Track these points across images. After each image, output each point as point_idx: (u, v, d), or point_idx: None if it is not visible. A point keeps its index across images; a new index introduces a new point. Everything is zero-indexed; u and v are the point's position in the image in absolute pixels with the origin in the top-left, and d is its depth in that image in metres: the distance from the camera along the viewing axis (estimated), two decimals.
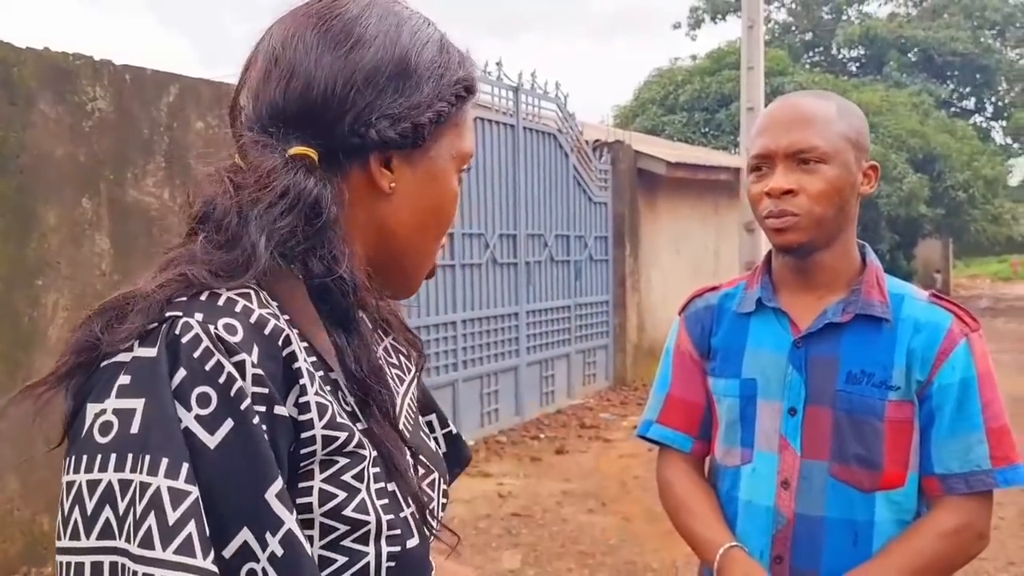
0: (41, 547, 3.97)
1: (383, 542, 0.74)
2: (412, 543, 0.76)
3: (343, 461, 0.73)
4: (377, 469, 0.75)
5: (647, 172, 9.42)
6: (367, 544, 0.73)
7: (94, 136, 4.19)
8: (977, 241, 21.77)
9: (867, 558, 1.37)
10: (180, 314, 0.69)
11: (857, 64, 24.78)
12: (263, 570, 0.66)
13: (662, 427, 1.58)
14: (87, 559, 0.64)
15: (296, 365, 0.71)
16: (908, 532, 1.38)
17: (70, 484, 0.66)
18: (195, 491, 0.64)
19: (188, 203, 0.77)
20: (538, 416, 7.76)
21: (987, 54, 23.00)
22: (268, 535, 0.66)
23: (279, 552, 0.66)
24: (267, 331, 0.71)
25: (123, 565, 0.63)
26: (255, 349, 0.69)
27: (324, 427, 0.72)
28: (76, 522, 0.65)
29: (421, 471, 0.85)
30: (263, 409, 0.68)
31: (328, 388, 0.74)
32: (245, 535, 0.66)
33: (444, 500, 0.91)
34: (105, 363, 0.68)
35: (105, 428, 0.66)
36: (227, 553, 0.65)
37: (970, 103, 25.14)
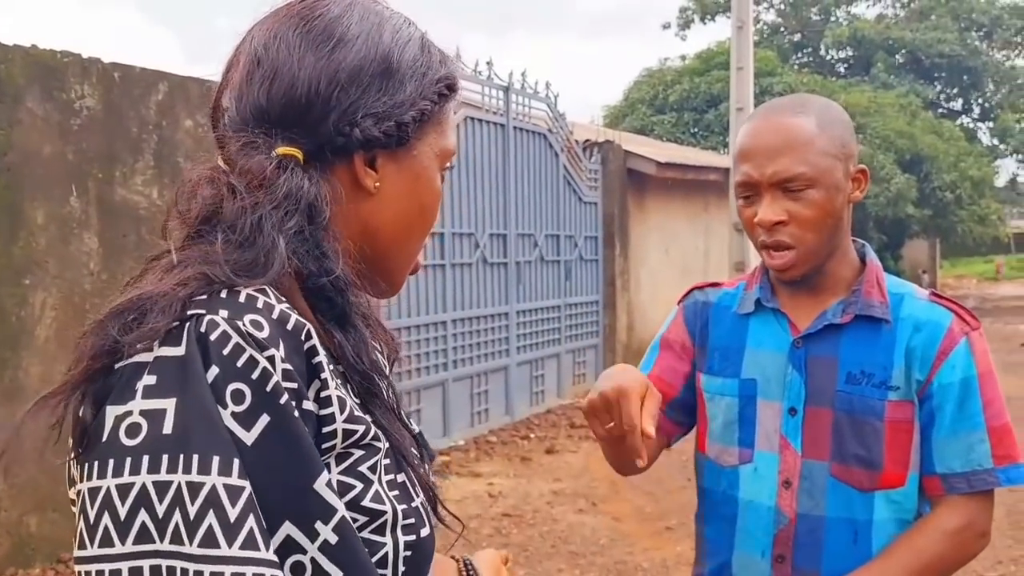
0: (28, 548, 3.95)
1: (399, 532, 0.74)
2: (425, 532, 0.77)
3: (358, 453, 0.73)
4: (388, 460, 0.76)
5: (637, 172, 9.45)
6: (384, 535, 0.73)
7: (82, 134, 4.16)
8: (964, 242, 21.92)
9: (867, 558, 1.37)
10: (203, 312, 0.68)
11: (845, 65, 24.89)
12: (312, 560, 0.67)
13: None
14: (124, 565, 0.62)
15: (317, 359, 0.71)
16: (910, 532, 1.38)
17: (94, 490, 0.64)
18: (248, 485, 0.64)
19: (174, 203, 0.76)
20: (528, 416, 7.78)
21: (974, 56, 23.12)
22: (319, 524, 0.67)
23: (333, 540, 0.67)
24: (290, 326, 0.70)
25: (171, 568, 0.62)
26: (281, 344, 0.69)
27: (345, 421, 0.72)
28: (107, 528, 0.63)
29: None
30: (295, 403, 0.68)
31: (339, 381, 0.74)
32: (288, 529, 0.66)
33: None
34: (121, 365, 0.66)
35: (132, 430, 0.64)
36: (271, 548, 0.65)
37: (957, 104, 25.27)
